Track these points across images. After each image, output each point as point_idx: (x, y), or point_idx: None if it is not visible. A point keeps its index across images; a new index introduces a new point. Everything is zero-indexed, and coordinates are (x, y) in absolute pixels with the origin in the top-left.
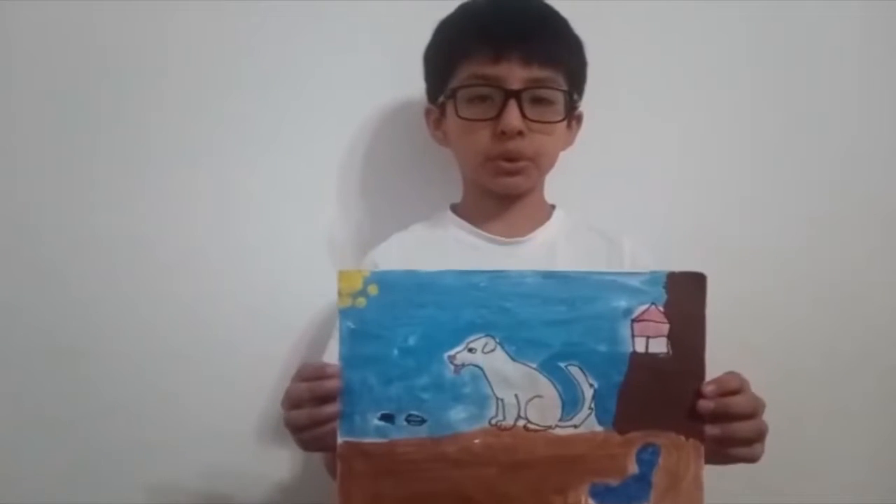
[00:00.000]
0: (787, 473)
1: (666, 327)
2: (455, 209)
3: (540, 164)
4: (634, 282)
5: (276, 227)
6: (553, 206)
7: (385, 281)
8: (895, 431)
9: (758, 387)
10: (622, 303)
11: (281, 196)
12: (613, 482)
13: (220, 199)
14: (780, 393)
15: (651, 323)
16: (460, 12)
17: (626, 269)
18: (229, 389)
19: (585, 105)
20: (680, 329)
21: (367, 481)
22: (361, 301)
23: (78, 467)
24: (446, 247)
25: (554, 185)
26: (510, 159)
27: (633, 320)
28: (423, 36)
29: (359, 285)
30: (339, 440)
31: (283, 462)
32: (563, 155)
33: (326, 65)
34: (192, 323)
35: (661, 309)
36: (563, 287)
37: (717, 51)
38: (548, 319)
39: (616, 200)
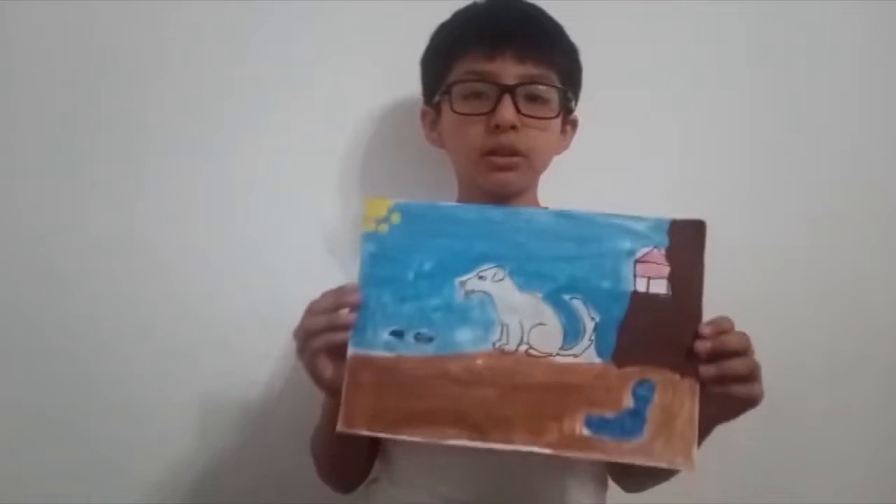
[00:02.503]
0: (787, 473)
1: (667, 269)
2: None
3: (533, 161)
4: (639, 226)
5: (272, 226)
6: (546, 209)
7: (408, 210)
8: (894, 431)
9: None
10: (626, 244)
11: (278, 196)
12: (609, 414)
13: (217, 199)
14: (781, 393)
15: (653, 264)
16: (456, 16)
17: None
18: (228, 388)
19: (583, 106)
20: (680, 272)
21: (371, 393)
22: (384, 227)
23: (77, 467)
24: None
25: (550, 188)
26: (503, 154)
27: (636, 261)
28: (419, 37)
29: (383, 212)
30: (350, 351)
31: (282, 462)
32: (560, 157)
33: (323, 66)
34: (190, 322)
35: (663, 252)
36: (572, 226)
37: (717, 50)
38: (556, 255)
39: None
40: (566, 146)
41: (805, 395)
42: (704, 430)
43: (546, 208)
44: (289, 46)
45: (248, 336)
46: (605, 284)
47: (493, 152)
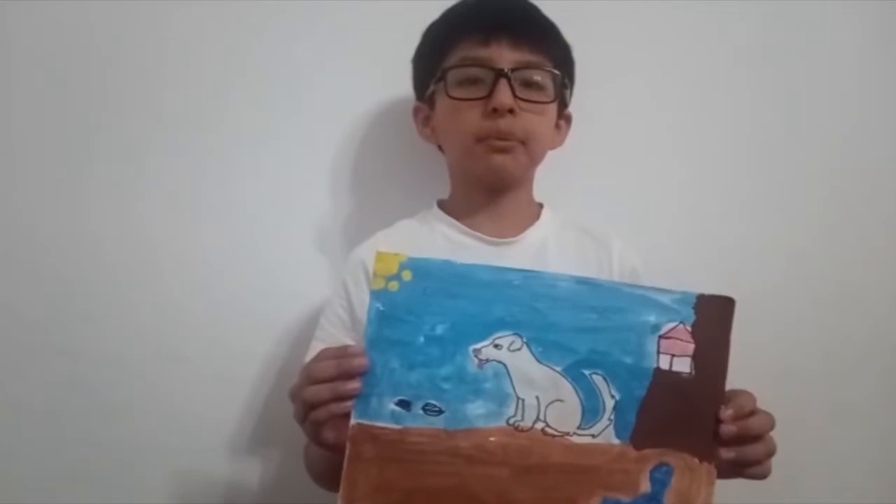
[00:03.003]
0: (787, 473)
1: (691, 347)
2: (442, 206)
3: (530, 148)
4: (665, 299)
5: (272, 226)
6: (541, 206)
7: (420, 268)
8: (894, 431)
9: (758, 387)
10: (651, 318)
11: (271, 194)
12: (625, 499)
13: (213, 199)
14: (780, 392)
15: (678, 341)
16: (448, 11)
17: (615, 269)
18: (227, 388)
19: (582, 103)
20: (704, 351)
21: (374, 468)
22: (394, 285)
23: (77, 467)
24: (434, 245)
25: (549, 184)
26: (500, 138)
27: (661, 337)
28: (412, 35)
29: (394, 269)
30: (352, 421)
31: (281, 461)
32: (558, 154)
33: (316, 65)
34: (188, 322)
35: (689, 329)
36: (595, 295)
37: (716, 49)
38: (577, 325)
39: (616, 200)
40: (560, 142)
41: (805, 395)
42: None
43: (567, 274)
44: (280, 47)
45: (240, 334)
46: (628, 360)
47: (489, 137)
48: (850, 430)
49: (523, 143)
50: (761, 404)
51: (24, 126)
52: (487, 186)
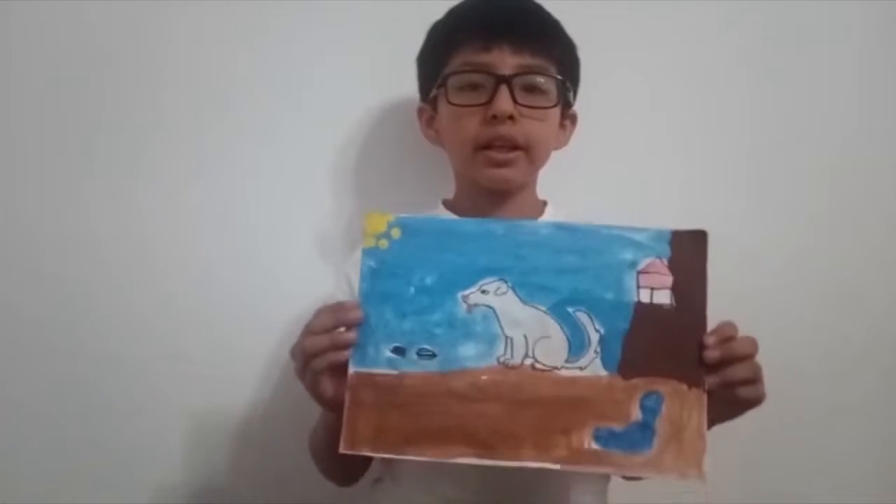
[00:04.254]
0: (787, 473)
1: (670, 280)
2: (447, 205)
3: (532, 154)
4: (641, 237)
5: (266, 225)
6: (545, 203)
7: (408, 225)
8: (894, 431)
9: None
10: (629, 255)
11: (271, 194)
12: (617, 427)
13: (213, 199)
14: (781, 392)
15: (656, 275)
16: (451, 11)
17: None
18: (226, 388)
19: (584, 102)
20: (683, 282)
21: (373, 412)
22: (384, 242)
23: (77, 467)
24: None
25: (552, 183)
26: (501, 147)
27: (639, 272)
28: (415, 35)
29: (383, 228)
30: (351, 370)
31: (281, 462)
32: (561, 153)
33: (319, 64)
34: (188, 322)
35: (666, 262)
36: (574, 238)
37: (717, 49)
38: (558, 267)
39: (616, 200)
40: (565, 142)
41: (805, 395)
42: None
43: (547, 221)
44: (283, 47)
45: (247, 336)
46: (609, 296)
47: (489, 145)
48: (850, 430)
49: (525, 149)
50: (761, 404)
51: (24, 126)
52: (490, 191)
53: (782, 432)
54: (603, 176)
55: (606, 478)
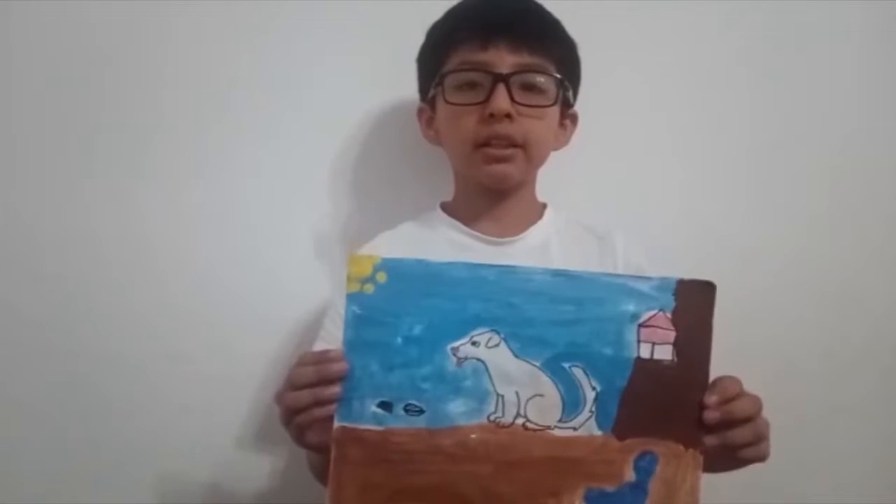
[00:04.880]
0: (786, 473)
1: (672, 335)
2: (445, 208)
3: (529, 152)
4: (644, 286)
5: (266, 225)
6: (545, 205)
7: (395, 269)
8: (894, 431)
9: (758, 387)
10: (630, 307)
11: (272, 194)
12: (609, 488)
13: (213, 199)
14: (780, 392)
15: (658, 329)
16: (451, 10)
17: (619, 266)
18: (226, 388)
19: (584, 102)
20: (686, 337)
21: (359, 469)
22: (369, 287)
23: (77, 467)
24: (436, 246)
25: (551, 183)
26: (498, 144)
27: (640, 325)
28: (415, 35)
29: (368, 271)
30: (336, 424)
31: (282, 461)
32: (561, 153)
33: (318, 65)
34: (188, 322)
35: (669, 316)
36: (571, 286)
37: (717, 49)
38: (554, 318)
39: (616, 200)
40: (565, 142)
41: (805, 395)
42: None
43: (542, 268)
44: (282, 48)
45: (247, 336)
46: (607, 351)
47: (487, 143)
48: (850, 430)
49: (522, 147)
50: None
51: (24, 126)
52: (489, 190)
53: (782, 432)
54: (603, 176)
55: None
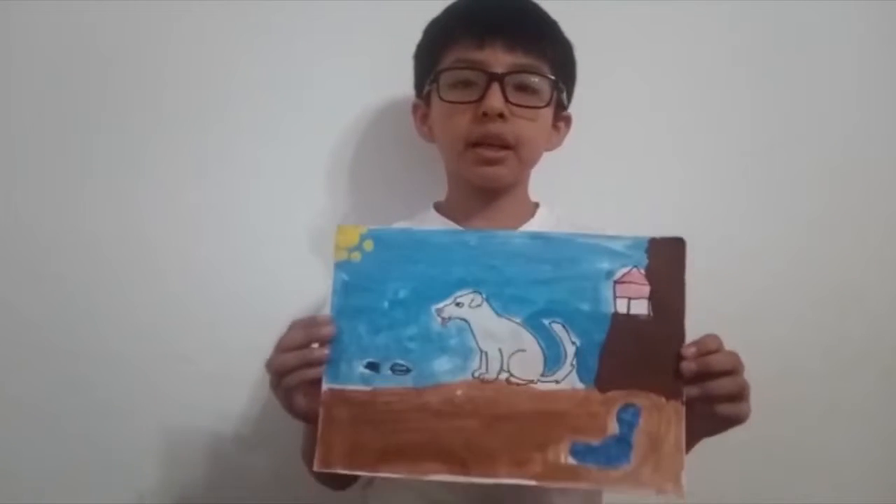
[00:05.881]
0: (786, 473)
1: (647, 289)
2: (438, 207)
3: (521, 153)
4: (617, 245)
5: (265, 224)
6: (537, 204)
7: (380, 237)
8: (894, 431)
9: (758, 387)
10: (605, 265)
11: (271, 194)
12: (594, 441)
13: (213, 198)
14: (780, 392)
15: (632, 285)
16: (447, 9)
17: None
18: (225, 387)
19: (584, 102)
20: (660, 292)
21: (347, 429)
22: (356, 255)
23: (77, 467)
24: None
25: (551, 183)
26: (490, 145)
27: (616, 282)
28: (410, 35)
29: (355, 240)
30: (324, 387)
31: (281, 460)
32: (556, 153)
33: (319, 64)
34: (188, 322)
35: (643, 272)
36: (548, 248)
37: (716, 49)
38: (533, 278)
39: (615, 200)
40: (559, 143)
41: (804, 395)
42: (688, 444)
43: (522, 231)
44: (278, 47)
45: (247, 336)
46: (585, 307)
47: (479, 142)
48: (849, 429)
49: (514, 148)
50: (761, 404)
51: (24, 126)
52: (481, 189)
53: (782, 432)
54: (603, 176)
55: None
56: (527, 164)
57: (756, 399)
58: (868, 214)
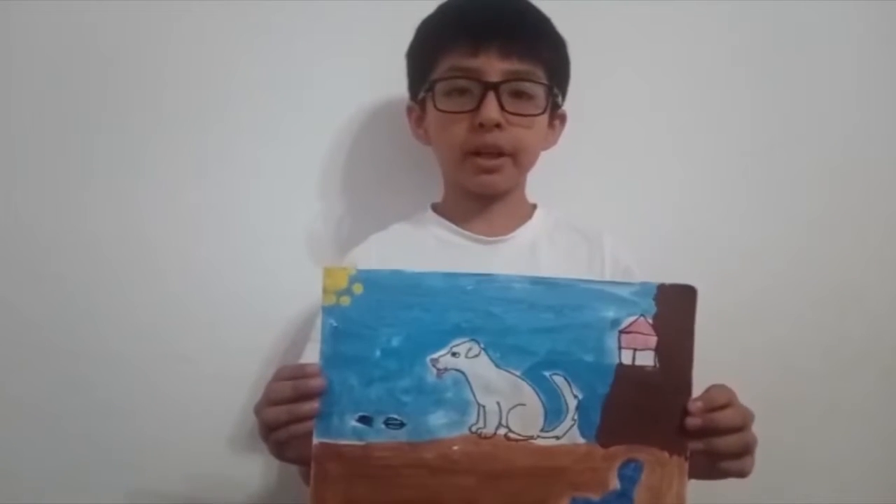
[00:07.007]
0: (786, 473)
1: (654, 340)
2: (436, 208)
3: (519, 160)
4: (624, 292)
5: (265, 224)
6: (534, 206)
7: (370, 280)
8: (894, 431)
9: (758, 387)
10: (611, 313)
11: (270, 194)
12: (594, 497)
13: (213, 198)
14: (780, 393)
15: (639, 335)
16: (440, 10)
17: (607, 268)
18: (225, 388)
19: (584, 102)
20: (668, 342)
21: (340, 485)
22: (346, 299)
23: (77, 467)
24: (426, 246)
25: (550, 184)
26: (488, 154)
27: (621, 331)
28: (405, 36)
29: (344, 283)
30: (315, 441)
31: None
32: (555, 154)
33: (319, 64)
34: (188, 322)
35: (650, 321)
36: (551, 294)
37: (716, 49)
38: (534, 326)
39: (614, 200)
40: (554, 142)
41: (804, 396)
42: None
43: (521, 275)
44: (275, 48)
45: (247, 336)
46: (588, 358)
47: (477, 152)
48: (849, 429)
49: (511, 156)
50: (761, 404)
51: (25, 126)
52: (478, 193)
53: (782, 432)
54: (603, 176)
55: None
56: (524, 169)
57: (756, 399)
58: (868, 214)
